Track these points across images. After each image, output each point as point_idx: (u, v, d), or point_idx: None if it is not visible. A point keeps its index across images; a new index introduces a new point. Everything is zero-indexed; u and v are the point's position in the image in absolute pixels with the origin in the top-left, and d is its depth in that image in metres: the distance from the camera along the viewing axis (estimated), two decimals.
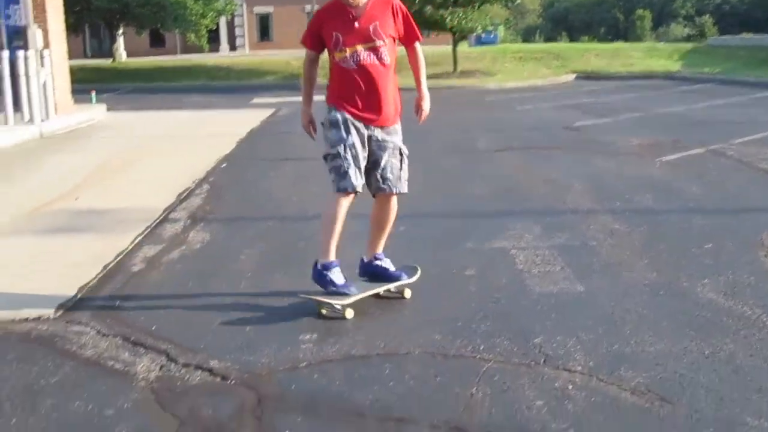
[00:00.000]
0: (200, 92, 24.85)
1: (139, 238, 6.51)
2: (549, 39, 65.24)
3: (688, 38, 58.97)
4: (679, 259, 5.68)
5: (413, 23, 4.83)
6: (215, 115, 17.86)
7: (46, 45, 15.32)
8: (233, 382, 3.79)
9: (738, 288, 4.98)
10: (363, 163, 4.66)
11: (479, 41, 40.93)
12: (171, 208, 7.63)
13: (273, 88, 25.96)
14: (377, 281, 4.91)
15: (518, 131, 13.64)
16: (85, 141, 13.26)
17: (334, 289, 4.63)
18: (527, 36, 71.21)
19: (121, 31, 39.78)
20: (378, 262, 4.96)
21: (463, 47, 32.60)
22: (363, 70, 4.61)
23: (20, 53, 14.05)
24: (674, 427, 3.26)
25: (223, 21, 47.06)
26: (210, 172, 9.71)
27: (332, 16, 4.68)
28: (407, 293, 4.94)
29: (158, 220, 7.12)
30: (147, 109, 18.93)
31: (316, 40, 4.77)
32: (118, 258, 5.94)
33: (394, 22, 4.71)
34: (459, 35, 28.68)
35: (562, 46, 42.24)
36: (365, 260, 5.00)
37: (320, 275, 4.67)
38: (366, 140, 4.67)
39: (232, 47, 51.30)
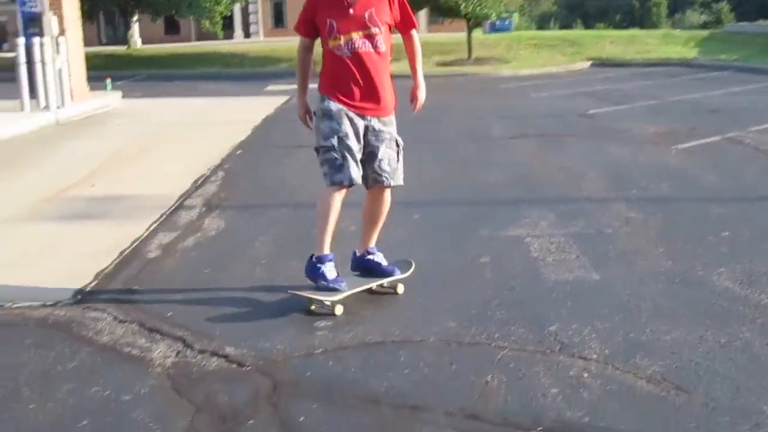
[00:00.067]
0: (215, 79, 24.84)
1: (155, 225, 6.54)
2: (564, 26, 64.83)
3: (704, 25, 58.55)
4: (695, 247, 5.66)
5: (409, 10, 4.71)
6: (230, 102, 17.86)
7: (62, 32, 15.34)
8: (249, 368, 3.81)
9: (754, 276, 4.96)
10: (359, 156, 4.53)
11: (494, 28, 40.69)
12: (186, 195, 7.66)
13: (287, 75, 25.81)
14: (370, 276, 4.80)
15: (533, 118, 13.59)
16: (100, 128, 13.30)
17: (324, 283, 4.52)
18: (542, 23, 70.81)
19: (135, 18, 39.80)
20: (370, 257, 4.84)
21: (478, 34, 32.43)
22: (358, 58, 4.49)
23: (36, 40, 14.09)
24: (690, 415, 3.25)
25: (237, 8, 46.94)
26: (225, 159, 9.73)
27: (326, 2, 4.56)
28: (400, 289, 4.81)
29: (173, 207, 7.15)
30: (162, 96, 18.94)
31: (310, 26, 4.64)
32: (134, 245, 5.97)
33: (390, 8, 4.58)
34: (473, 22, 28.49)
35: (577, 33, 41.93)
36: (357, 254, 4.90)
37: (313, 268, 4.57)
38: (362, 131, 4.54)
39: (247, 34, 51.28)
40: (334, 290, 4.50)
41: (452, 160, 9.56)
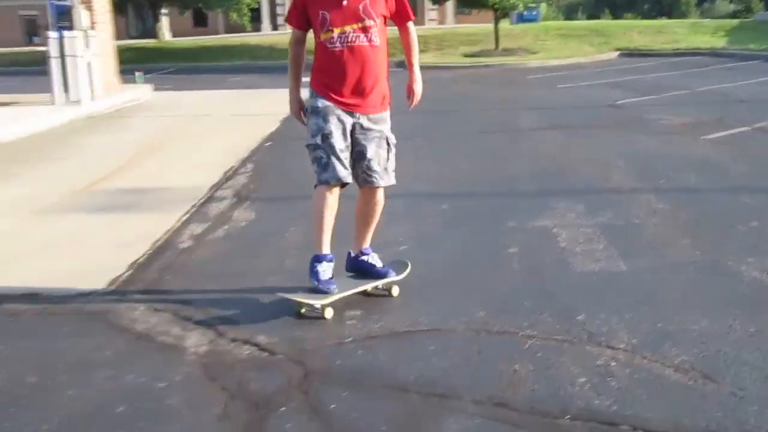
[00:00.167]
0: (243, 72, 24.97)
1: (186, 216, 6.63)
2: (591, 16, 64.45)
3: (733, 14, 57.89)
4: (723, 237, 5.65)
5: (406, 1, 4.51)
6: (259, 93, 17.93)
7: (92, 25, 15.52)
8: (280, 356, 3.87)
9: None
10: (346, 153, 4.37)
11: (521, 19, 40.53)
12: (217, 187, 7.74)
13: None
14: (364, 277, 4.66)
15: (560, 109, 13.55)
16: (131, 120, 13.44)
17: (315, 284, 4.41)
18: (569, 13, 70.40)
19: (164, 11, 40.06)
20: (365, 258, 4.70)
21: (505, 24, 32.34)
22: (351, 51, 4.30)
23: (67, 34, 14.25)
24: (718, 404, 3.26)
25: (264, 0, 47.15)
26: (254, 150, 9.82)
27: None
28: (395, 291, 4.67)
29: (204, 199, 7.24)
30: (192, 89, 19.09)
31: (302, 18, 4.42)
32: (166, 235, 6.06)
33: (385, 0, 4.42)
34: (501, 12, 28.42)
35: (605, 23, 41.63)
36: (352, 255, 4.74)
37: (310, 266, 4.50)
38: (349, 128, 4.38)
39: (274, 26, 51.36)
40: (324, 293, 4.38)
41: (480, 151, 9.57)
